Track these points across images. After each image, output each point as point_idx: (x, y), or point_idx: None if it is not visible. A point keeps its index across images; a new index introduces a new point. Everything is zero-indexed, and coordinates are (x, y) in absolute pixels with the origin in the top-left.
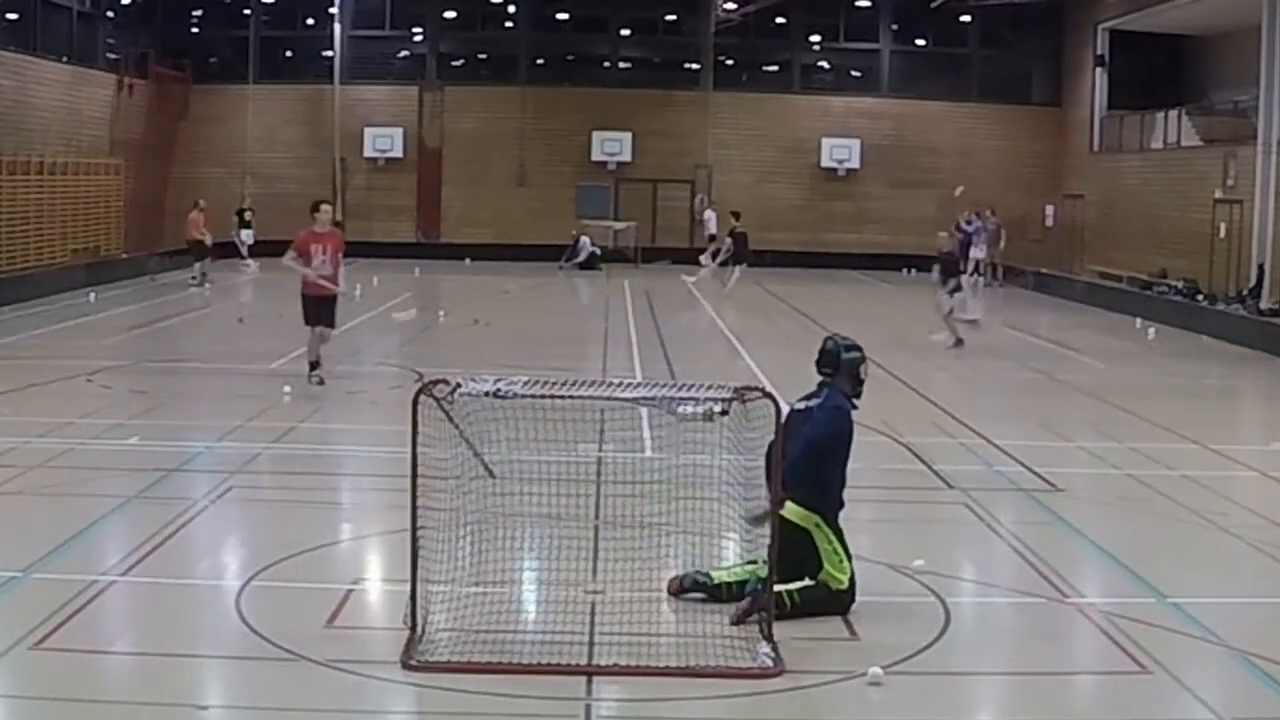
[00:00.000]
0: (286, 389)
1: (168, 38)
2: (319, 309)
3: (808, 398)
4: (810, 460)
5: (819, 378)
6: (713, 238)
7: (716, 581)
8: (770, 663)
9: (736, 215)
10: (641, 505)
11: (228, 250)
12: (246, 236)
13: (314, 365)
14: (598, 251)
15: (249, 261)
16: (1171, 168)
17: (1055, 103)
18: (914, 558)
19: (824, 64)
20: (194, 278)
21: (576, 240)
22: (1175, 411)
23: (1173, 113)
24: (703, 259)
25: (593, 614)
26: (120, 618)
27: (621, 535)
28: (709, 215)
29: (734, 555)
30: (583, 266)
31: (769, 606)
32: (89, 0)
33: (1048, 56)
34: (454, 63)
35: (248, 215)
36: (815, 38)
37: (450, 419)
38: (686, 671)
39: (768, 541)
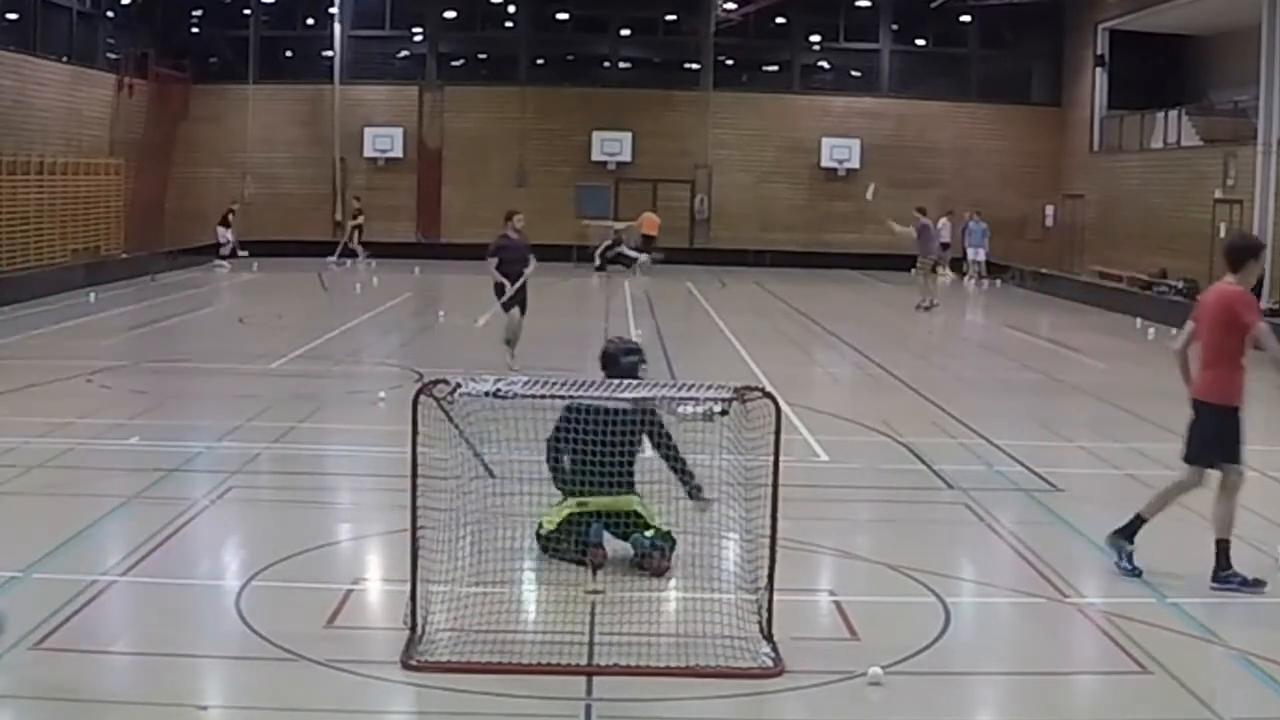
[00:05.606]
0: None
1: (168, 38)
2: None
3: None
4: None
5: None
6: (945, 245)
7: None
8: (770, 663)
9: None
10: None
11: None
12: (229, 235)
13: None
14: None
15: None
16: (1171, 168)
17: (1055, 103)
18: (916, 557)
19: (824, 64)
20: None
21: (616, 239)
22: (1175, 411)
23: (1173, 113)
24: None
25: (593, 614)
26: (120, 618)
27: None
28: (943, 222)
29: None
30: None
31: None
32: (89, 0)
33: (1048, 56)
34: (454, 63)
35: (230, 217)
36: (815, 38)
37: (450, 419)
38: (686, 671)
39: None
